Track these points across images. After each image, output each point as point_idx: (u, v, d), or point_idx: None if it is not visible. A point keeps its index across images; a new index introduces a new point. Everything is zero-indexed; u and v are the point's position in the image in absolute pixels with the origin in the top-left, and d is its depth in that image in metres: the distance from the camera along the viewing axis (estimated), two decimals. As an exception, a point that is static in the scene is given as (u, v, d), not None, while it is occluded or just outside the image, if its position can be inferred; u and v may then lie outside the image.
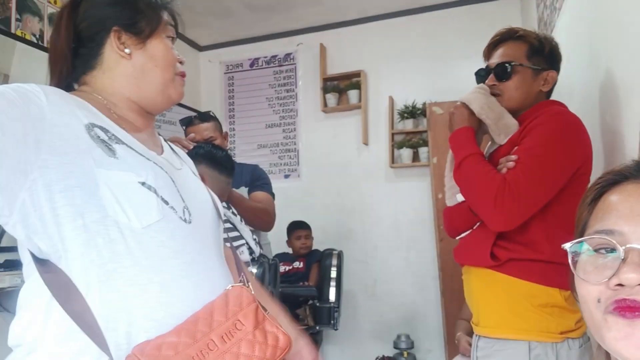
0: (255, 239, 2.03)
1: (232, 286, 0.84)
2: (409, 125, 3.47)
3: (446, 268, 3.13)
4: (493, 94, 1.37)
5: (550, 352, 1.18)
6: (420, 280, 3.41)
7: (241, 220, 1.96)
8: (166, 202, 0.79)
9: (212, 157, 1.67)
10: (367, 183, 3.59)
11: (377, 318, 3.51)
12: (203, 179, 1.04)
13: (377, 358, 3.25)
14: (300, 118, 3.86)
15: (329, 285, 3.07)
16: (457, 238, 1.46)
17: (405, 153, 3.45)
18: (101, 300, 0.71)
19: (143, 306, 0.73)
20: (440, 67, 3.45)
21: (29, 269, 0.74)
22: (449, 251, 1.53)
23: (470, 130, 1.35)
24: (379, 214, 3.56)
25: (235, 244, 1.67)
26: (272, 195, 2.35)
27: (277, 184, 2.57)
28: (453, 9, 3.46)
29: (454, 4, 3.46)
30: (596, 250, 0.57)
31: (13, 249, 1.61)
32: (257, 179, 2.34)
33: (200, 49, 4.17)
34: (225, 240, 1.00)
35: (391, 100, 3.54)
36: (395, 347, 3.22)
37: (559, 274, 1.16)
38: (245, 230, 1.95)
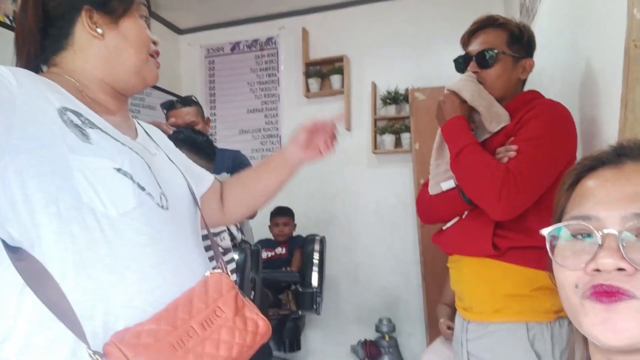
0: (236, 225, 2.02)
1: (210, 273, 0.84)
2: (391, 111, 3.47)
3: (427, 253, 3.16)
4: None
5: (546, 331, 1.21)
6: (402, 265, 3.44)
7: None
8: (142, 189, 0.77)
9: (192, 142, 1.64)
10: (350, 169, 3.59)
11: (360, 303, 3.53)
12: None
13: (359, 342, 3.29)
14: (283, 103, 3.82)
15: (311, 271, 3.08)
16: (444, 228, 1.43)
17: (388, 139, 3.45)
18: (77, 288, 0.69)
19: (120, 294, 0.72)
20: (423, 53, 3.44)
21: (0, 257, 0.72)
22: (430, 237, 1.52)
23: (463, 120, 1.33)
24: (362, 200, 3.57)
25: (217, 230, 1.66)
26: (254, 181, 2.33)
27: (259, 170, 2.54)
28: (436, -5, 3.44)
29: (438, -10, 3.44)
30: (574, 236, 0.57)
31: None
32: (239, 165, 2.32)
33: (180, 32, 4.08)
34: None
35: (374, 85, 3.53)
36: (377, 330, 3.26)
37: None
38: (227, 216, 1.93)
